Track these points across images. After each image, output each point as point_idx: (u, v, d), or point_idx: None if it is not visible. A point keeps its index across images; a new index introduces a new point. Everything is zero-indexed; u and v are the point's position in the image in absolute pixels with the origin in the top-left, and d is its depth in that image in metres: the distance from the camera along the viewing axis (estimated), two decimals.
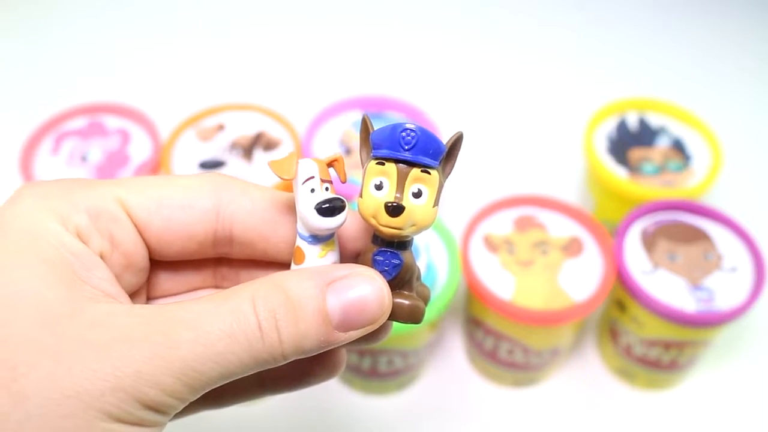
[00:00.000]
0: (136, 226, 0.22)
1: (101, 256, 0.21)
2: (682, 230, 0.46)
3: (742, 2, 0.81)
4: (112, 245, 0.21)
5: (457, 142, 0.21)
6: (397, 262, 0.21)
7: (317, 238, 0.21)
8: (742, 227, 0.45)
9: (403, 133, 0.20)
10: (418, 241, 0.43)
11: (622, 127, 0.53)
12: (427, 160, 0.20)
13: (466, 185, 0.59)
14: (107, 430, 0.17)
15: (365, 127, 0.22)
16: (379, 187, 0.21)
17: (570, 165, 0.59)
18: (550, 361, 0.46)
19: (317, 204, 0.20)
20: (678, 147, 0.52)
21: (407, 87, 0.66)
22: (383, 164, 0.20)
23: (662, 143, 0.52)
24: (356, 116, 0.53)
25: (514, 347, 0.44)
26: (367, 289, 0.20)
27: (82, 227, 0.20)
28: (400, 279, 0.22)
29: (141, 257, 0.22)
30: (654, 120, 0.54)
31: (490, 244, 0.45)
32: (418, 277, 0.23)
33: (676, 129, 0.53)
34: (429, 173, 0.20)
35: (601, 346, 0.49)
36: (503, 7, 0.80)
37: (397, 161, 0.20)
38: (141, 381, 0.17)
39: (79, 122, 0.52)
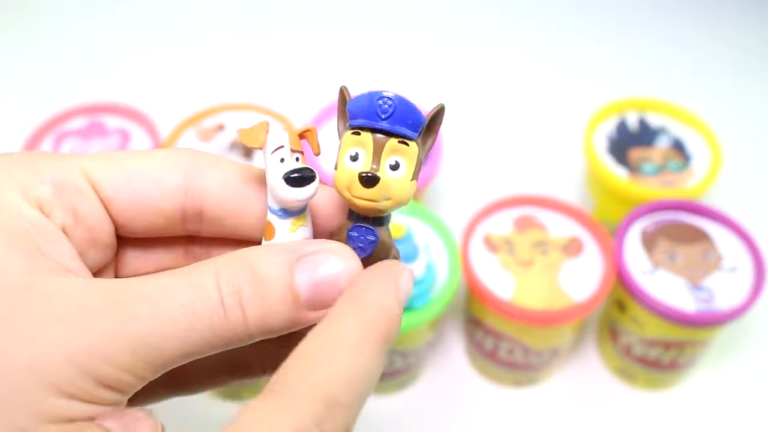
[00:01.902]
0: (101, 199, 0.21)
1: (64, 230, 0.20)
2: (682, 230, 0.46)
3: (742, 2, 0.81)
4: (76, 219, 0.20)
5: (437, 115, 0.20)
6: (372, 238, 0.20)
7: (287, 212, 0.20)
8: (741, 227, 0.45)
9: (380, 101, 0.19)
10: (419, 241, 0.43)
11: (622, 127, 0.53)
12: (405, 131, 0.19)
13: (466, 185, 0.59)
14: (58, 406, 0.17)
15: (342, 98, 0.21)
16: (354, 158, 0.20)
17: (570, 165, 0.59)
18: (550, 361, 0.46)
19: (285, 173, 0.19)
20: (678, 147, 0.52)
21: (407, 87, 0.66)
22: (359, 134, 0.20)
23: (662, 143, 0.52)
24: None
25: (514, 347, 0.44)
26: (338, 265, 0.19)
27: (43, 199, 0.20)
28: (376, 257, 0.21)
29: (106, 233, 0.21)
30: (654, 120, 0.54)
31: (490, 244, 0.45)
32: (396, 257, 0.22)
33: (676, 129, 0.53)
34: (407, 144, 0.19)
35: (601, 346, 0.50)
36: (503, 7, 0.80)
37: (373, 131, 0.19)
38: (95, 356, 0.17)
39: (79, 122, 0.52)
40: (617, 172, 0.50)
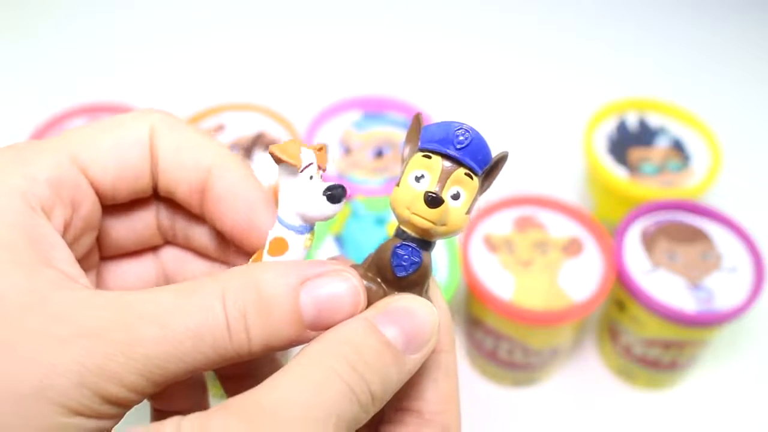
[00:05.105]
0: (92, 183, 0.21)
1: (65, 225, 0.20)
2: (681, 230, 0.46)
3: (742, 2, 0.81)
4: (74, 211, 0.21)
5: (501, 161, 0.21)
6: (417, 260, 0.20)
7: (309, 227, 0.21)
8: (741, 227, 0.45)
9: (458, 131, 0.20)
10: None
11: (621, 127, 0.53)
12: (474, 164, 0.20)
13: None
14: (67, 424, 0.17)
15: (417, 123, 0.21)
16: (418, 179, 0.20)
17: (570, 165, 0.59)
18: (550, 360, 0.46)
19: (326, 190, 0.20)
20: (678, 147, 0.52)
21: (407, 87, 0.66)
22: (429, 158, 0.20)
23: (662, 143, 0.52)
24: (356, 116, 0.53)
25: (514, 347, 0.44)
26: (340, 287, 0.19)
27: (43, 200, 0.20)
28: (414, 281, 0.21)
29: (97, 215, 0.22)
30: (654, 120, 0.54)
31: (490, 244, 0.45)
32: (427, 290, 0.22)
33: (676, 129, 0.53)
34: (471, 178, 0.20)
35: (601, 346, 0.50)
36: (503, 7, 0.80)
37: (444, 157, 0.20)
38: (103, 377, 0.17)
39: (79, 122, 0.52)
40: (617, 172, 0.50)
